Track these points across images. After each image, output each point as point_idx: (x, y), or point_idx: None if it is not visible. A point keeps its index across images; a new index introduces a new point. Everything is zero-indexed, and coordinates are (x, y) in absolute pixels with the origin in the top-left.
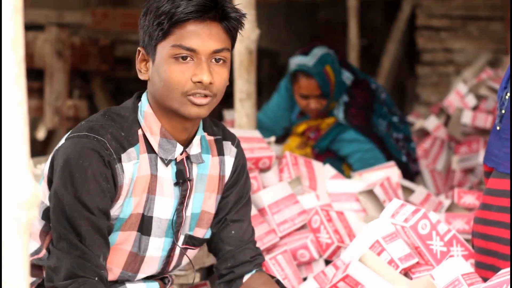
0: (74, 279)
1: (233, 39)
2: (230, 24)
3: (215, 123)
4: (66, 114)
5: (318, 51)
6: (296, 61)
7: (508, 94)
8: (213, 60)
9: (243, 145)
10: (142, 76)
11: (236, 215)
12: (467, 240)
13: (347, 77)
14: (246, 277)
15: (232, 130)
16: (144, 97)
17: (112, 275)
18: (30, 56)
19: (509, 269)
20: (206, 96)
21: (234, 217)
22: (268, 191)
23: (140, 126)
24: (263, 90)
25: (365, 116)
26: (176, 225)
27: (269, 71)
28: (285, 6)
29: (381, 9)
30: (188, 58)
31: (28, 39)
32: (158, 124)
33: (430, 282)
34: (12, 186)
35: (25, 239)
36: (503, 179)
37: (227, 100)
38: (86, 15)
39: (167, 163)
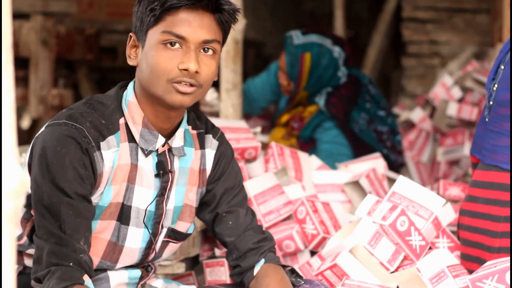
0: (49, 267)
1: (225, 32)
2: (223, 17)
3: (199, 117)
4: (51, 103)
5: (313, 38)
6: (293, 33)
7: (496, 85)
8: (202, 51)
9: (229, 135)
10: (131, 62)
11: (229, 206)
12: (453, 232)
13: (343, 74)
14: (256, 269)
15: (218, 120)
16: (130, 86)
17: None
18: (15, 45)
19: (495, 261)
20: (191, 85)
21: (227, 209)
22: (253, 181)
23: (122, 115)
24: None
25: (345, 108)
26: (155, 216)
27: (255, 62)
28: None
29: (367, 0)
30: (177, 45)
31: (14, 27)
32: (141, 114)
33: (416, 274)
34: None
35: (11, 227)
36: (489, 171)
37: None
38: (71, 4)
39: (147, 153)
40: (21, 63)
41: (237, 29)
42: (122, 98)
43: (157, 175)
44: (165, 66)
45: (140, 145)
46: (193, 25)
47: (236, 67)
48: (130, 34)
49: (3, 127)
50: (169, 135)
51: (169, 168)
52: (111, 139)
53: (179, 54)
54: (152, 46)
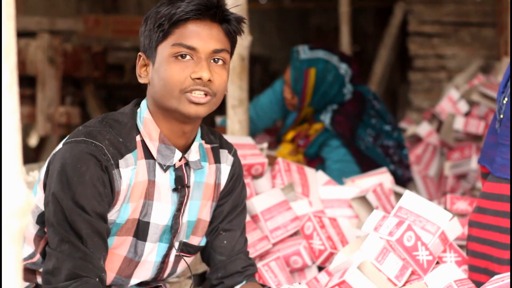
0: (76, 279)
1: (232, 43)
2: (230, 27)
3: (212, 132)
4: (58, 121)
5: (319, 54)
6: (300, 47)
7: (506, 99)
8: (212, 61)
9: None
10: (142, 80)
11: (229, 224)
12: (460, 246)
13: (348, 91)
14: (237, 286)
15: (224, 136)
16: (143, 103)
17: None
18: (22, 63)
19: (503, 275)
20: (206, 94)
21: (226, 226)
22: (261, 197)
23: (138, 132)
24: (255, 96)
25: (351, 126)
26: (172, 231)
27: (261, 77)
28: (276, 13)
29: (373, 15)
30: (188, 57)
31: (20, 46)
32: (157, 130)
33: None
34: (5, 193)
35: (18, 247)
36: (499, 183)
37: (220, 106)
38: (78, 22)
39: (165, 169)
40: (28, 82)
41: (243, 46)
42: (137, 115)
43: (174, 190)
44: (178, 77)
45: (158, 160)
46: (203, 36)
47: (242, 84)
48: (139, 53)
49: (9, 147)
50: (185, 150)
51: (186, 183)
52: (129, 157)
53: (190, 64)
54: (163, 60)
